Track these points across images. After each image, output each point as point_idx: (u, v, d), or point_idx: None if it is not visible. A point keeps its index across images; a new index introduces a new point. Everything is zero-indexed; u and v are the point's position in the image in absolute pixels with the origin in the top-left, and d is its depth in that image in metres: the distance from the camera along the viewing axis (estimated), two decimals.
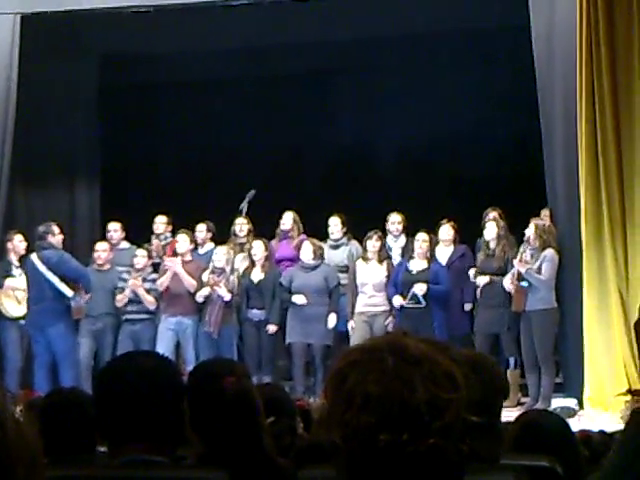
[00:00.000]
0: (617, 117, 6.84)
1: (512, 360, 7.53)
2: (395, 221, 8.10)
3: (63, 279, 7.52)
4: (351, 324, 7.71)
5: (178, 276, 7.82)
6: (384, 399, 1.14)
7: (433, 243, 7.75)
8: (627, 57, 6.84)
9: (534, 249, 7.20)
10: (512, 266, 7.29)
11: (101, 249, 8.10)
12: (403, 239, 8.12)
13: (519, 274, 7.18)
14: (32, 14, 8.05)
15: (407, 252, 7.88)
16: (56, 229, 7.66)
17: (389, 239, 8.08)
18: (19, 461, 1.08)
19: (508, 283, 7.27)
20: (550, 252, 7.18)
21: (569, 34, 6.99)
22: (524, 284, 7.16)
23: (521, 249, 7.29)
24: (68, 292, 7.53)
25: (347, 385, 1.17)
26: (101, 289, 7.90)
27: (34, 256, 7.60)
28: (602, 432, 4.09)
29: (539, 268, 7.16)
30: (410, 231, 8.03)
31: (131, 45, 9.35)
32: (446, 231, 7.87)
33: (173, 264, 7.84)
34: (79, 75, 9.53)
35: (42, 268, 7.48)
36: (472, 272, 7.66)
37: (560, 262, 7.21)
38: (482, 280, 7.47)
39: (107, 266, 8.08)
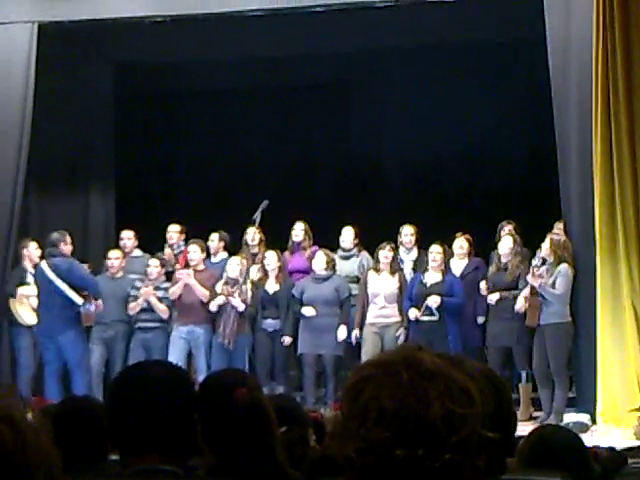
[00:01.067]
0: (633, 130, 6.80)
1: (524, 374, 7.50)
2: (408, 233, 8.07)
3: (72, 287, 7.54)
4: (355, 333, 7.68)
5: (190, 286, 7.84)
6: (399, 414, 1.14)
7: (447, 255, 7.73)
8: None
9: (549, 264, 7.18)
10: (524, 281, 7.27)
11: (114, 257, 8.13)
12: (415, 252, 8.10)
13: (532, 288, 7.16)
14: (49, 23, 8.11)
15: (420, 265, 7.86)
16: (68, 238, 7.71)
17: (401, 251, 8.05)
18: (38, 468, 1.08)
19: (521, 302, 7.23)
20: (565, 267, 7.16)
21: (585, 47, 6.96)
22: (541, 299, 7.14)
23: (533, 263, 7.26)
24: (78, 300, 7.55)
25: (362, 399, 1.17)
26: (113, 297, 7.92)
27: (44, 264, 7.63)
28: (611, 449, 4.05)
29: (553, 283, 7.14)
30: (422, 244, 8.02)
31: (147, 54, 9.40)
32: (460, 244, 7.85)
33: (185, 276, 7.86)
34: (95, 83, 9.57)
35: (52, 276, 7.51)
36: (483, 285, 7.65)
37: (574, 277, 7.18)
38: (493, 297, 7.46)
39: (120, 274, 8.10)
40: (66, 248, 7.67)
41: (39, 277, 7.67)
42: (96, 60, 9.54)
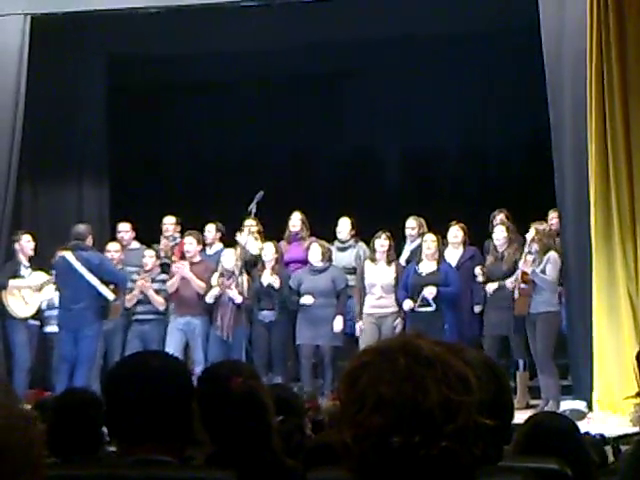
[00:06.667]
0: (627, 117, 6.79)
1: (521, 362, 7.52)
2: (409, 226, 8.08)
3: (102, 281, 7.48)
4: (359, 325, 7.69)
5: (187, 278, 7.83)
6: (396, 401, 1.14)
7: (440, 245, 7.73)
8: (637, 55, 6.80)
9: (536, 253, 7.20)
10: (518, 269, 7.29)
11: (114, 249, 8.11)
12: (417, 242, 8.09)
13: (523, 275, 7.15)
14: (41, 15, 8.07)
15: (415, 255, 7.86)
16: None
17: (407, 244, 8.07)
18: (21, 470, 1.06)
19: (510, 285, 7.25)
20: (553, 255, 7.19)
21: (579, 33, 6.95)
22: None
23: (525, 250, 7.27)
24: (110, 295, 7.46)
25: (359, 386, 1.17)
26: None
27: (70, 256, 7.43)
28: (601, 436, 4.06)
29: (542, 271, 7.16)
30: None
31: (139, 46, 9.36)
32: (455, 233, 7.85)
33: (181, 269, 7.85)
34: (88, 75, 9.54)
35: (82, 269, 7.37)
36: (478, 270, 7.65)
37: (564, 264, 7.20)
38: (491, 287, 7.48)
39: (119, 267, 8.09)
40: (90, 241, 7.58)
41: (62, 269, 7.47)
42: (89, 52, 9.50)
